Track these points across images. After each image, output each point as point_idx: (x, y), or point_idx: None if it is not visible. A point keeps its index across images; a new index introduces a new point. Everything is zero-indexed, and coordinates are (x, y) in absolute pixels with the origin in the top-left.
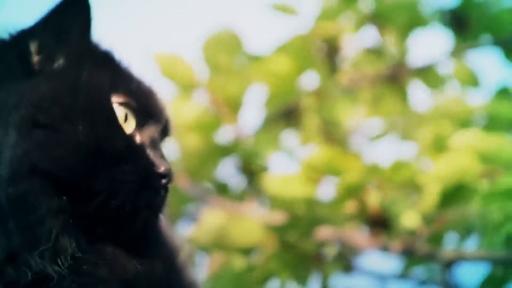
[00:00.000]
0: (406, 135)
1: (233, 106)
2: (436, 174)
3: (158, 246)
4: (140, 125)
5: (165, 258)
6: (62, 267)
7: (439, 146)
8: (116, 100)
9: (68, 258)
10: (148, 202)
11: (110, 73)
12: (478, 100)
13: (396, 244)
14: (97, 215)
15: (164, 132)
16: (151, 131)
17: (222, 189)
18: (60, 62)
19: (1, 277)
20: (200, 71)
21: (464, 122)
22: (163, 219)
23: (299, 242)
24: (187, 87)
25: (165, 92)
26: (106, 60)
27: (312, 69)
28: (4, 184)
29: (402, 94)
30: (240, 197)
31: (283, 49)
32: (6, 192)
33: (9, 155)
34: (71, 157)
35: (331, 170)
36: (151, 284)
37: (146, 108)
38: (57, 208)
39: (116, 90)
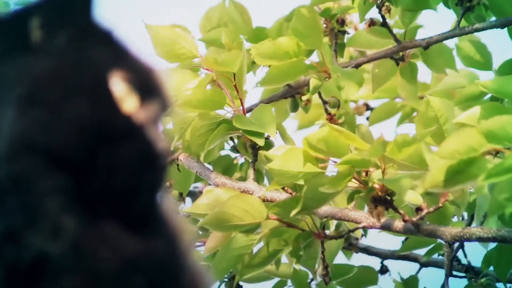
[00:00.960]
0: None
1: (237, 83)
2: (441, 151)
3: (160, 226)
4: (141, 103)
5: (167, 238)
6: (63, 246)
7: (435, 123)
8: (116, 78)
9: (69, 236)
10: (148, 181)
11: (111, 50)
12: (485, 79)
13: (400, 222)
14: (97, 193)
15: (165, 109)
16: (152, 108)
17: (224, 166)
18: (61, 38)
19: (0, 255)
20: (202, 47)
21: (470, 101)
22: (165, 199)
23: (301, 220)
24: (189, 64)
25: (166, 70)
26: (107, 38)
27: (317, 47)
28: (2, 161)
29: (409, 74)
30: (242, 175)
31: (287, 25)
32: (5, 170)
33: (8, 133)
34: (71, 135)
35: (334, 147)
36: (152, 264)
37: (147, 85)
38: (57, 186)
39: (117, 67)
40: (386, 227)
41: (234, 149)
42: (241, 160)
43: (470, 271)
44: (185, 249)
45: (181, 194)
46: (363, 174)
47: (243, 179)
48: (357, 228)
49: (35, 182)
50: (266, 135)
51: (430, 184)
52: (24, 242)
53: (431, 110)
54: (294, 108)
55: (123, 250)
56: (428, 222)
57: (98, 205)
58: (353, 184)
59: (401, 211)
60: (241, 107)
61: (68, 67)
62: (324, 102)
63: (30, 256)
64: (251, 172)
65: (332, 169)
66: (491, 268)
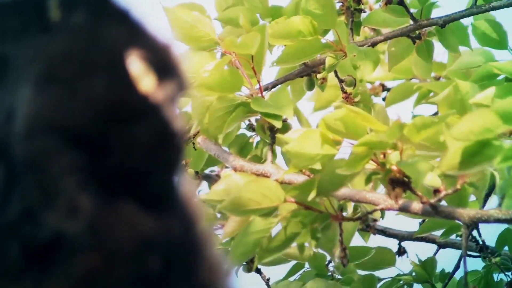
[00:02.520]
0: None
1: (256, 64)
2: (456, 132)
3: (176, 206)
4: (157, 82)
5: (183, 218)
6: (80, 224)
7: (460, 107)
8: (133, 56)
9: (86, 215)
10: (164, 160)
11: (128, 29)
12: (501, 59)
13: (417, 204)
14: (112, 172)
15: (182, 89)
16: (169, 87)
17: (240, 145)
18: (78, 17)
19: (17, 234)
20: (219, 29)
21: (486, 80)
22: (183, 180)
23: (318, 202)
24: (206, 47)
25: (183, 51)
26: (124, 17)
27: (330, 26)
28: (19, 140)
29: (426, 52)
30: (259, 157)
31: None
32: (21, 149)
33: (24, 111)
34: (87, 113)
35: (351, 129)
36: (168, 244)
37: (164, 65)
38: (73, 164)
39: (133, 46)
40: (404, 209)
41: (250, 127)
42: (256, 138)
43: (484, 250)
44: (202, 231)
45: (196, 173)
46: (381, 156)
47: (258, 158)
48: (374, 210)
49: (51, 161)
50: (283, 117)
51: (447, 166)
52: (41, 221)
53: (458, 94)
54: (310, 86)
55: (139, 229)
56: (446, 204)
57: (114, 184)
58: (371, 166)
59: (419, 193)
60: (258, 88)
61: (85, 45)
62: (340, 81)
63: (47, 235)
64: (268, 155)
65: (349, 151)
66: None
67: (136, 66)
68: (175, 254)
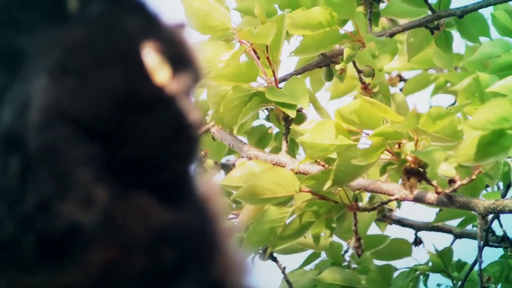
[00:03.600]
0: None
1: (272, 54)
2: (473, 121)
3: (191, 198)
4: (173, 74)
5: (198, 210)
6: (94, 216)
7: (480, 98)
8: (149, 48)
9: (101, 207)
10: (179, 151)
11: (144, 20)
12: None
13: (432, 194)
14: (127, 164)
15: (197, 80)
16: (184, 79)
17: (259, 136)
18: (95, 8)
19: (32, 225)
20: (237, 16)
21: (505, 70)
22: (199, 171)
23: (333, 193)
24: (222, 36)
25: (199, 41)
26: (140, 8)
27: (350, 17)
28: (34, 131)
29: (444, 43)
30: (277, 145)
31: None
32: (37, 139)
33: (39, 102)
34: (102, 104)
35: (367, 119)
36: (183, 236)
37: (179, 55)
38: (88, 155)
39: (149, 37)
40: (419, 199)
41: (268, 118)
42: (275, 130)
43: (506, 241)
44: (219, 224)
45: (216, 163)
46: (396, 146)
47: (277, 149)
48: (390, 200)
49: (66, 152)
50: (298, 107)
51: (463, 157)
52: (56, 212)
53: (478, 85)
54: (329, 77)
55: (154, 220)
56: (461, 194)
57: (129, 175)
58: (386, 156)
59: (434, 183)
60: (273, 78)
61: (101, 36)
62: (359, 71)
63: (62, 226)
64: (283, 145)
65: (364, 141)
66: None
67: (152, 57)
68: (189, 246)
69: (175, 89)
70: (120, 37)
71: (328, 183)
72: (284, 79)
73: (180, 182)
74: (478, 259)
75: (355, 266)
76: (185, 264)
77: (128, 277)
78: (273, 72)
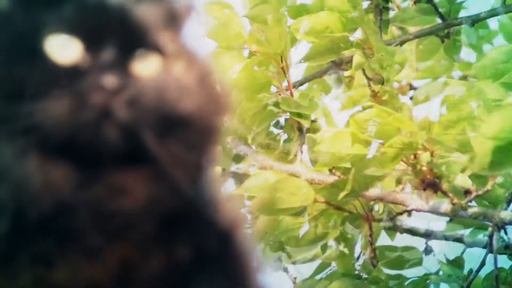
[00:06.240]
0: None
1: (283, 64)
2: (485, 130)
3: (206, 196)
4: (90, 49)
5: (213, 209)
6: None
7: (487, 107)
8: (54, 30)
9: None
10: (99, 119)
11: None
12: None
13: (448, 205)
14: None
15: (132, 45)
16: (108, 52)
17: (271, 149)
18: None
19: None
20: (247, 28)
21: None
22: (211, 177)
23: (348, 203)
24: (237, 45)
25: (211, 51)
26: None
27: (360, 25)
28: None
29: (454, 52)
30: (289, 157)
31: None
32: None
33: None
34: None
35: (383, 129)
36: (198, 234)
37: (98, 28)
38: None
39: (57, 20)
40: (434, 210)
41: (277, 125)
42: (284, 136)
43: (510, 248)
44: (237, 228)
45: (224, 170)
46: (411, 156)
47: (285, 155)
48: (405, 211)
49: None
50: (313, 117)
51: (478, 166)
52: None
53: (482, 95)
54: (338, 84)
55: (166, 214)
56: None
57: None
58: (401, 166)
59: (450, 194)
60: (286, 84)
61: None
62: (368, 79)
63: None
64: (298, 154)
65: (378, 149)
66: None
67: (57, 40)
68: (205, 244)
69: (90, 65)
70: (19, 24)
71: (344, 193)
72: (293, 86)
73: (196, 176)
74: (494, 272)
75: (366, 276)
76: (200, 261)
77: (145, 274)
78: (288, 82)
